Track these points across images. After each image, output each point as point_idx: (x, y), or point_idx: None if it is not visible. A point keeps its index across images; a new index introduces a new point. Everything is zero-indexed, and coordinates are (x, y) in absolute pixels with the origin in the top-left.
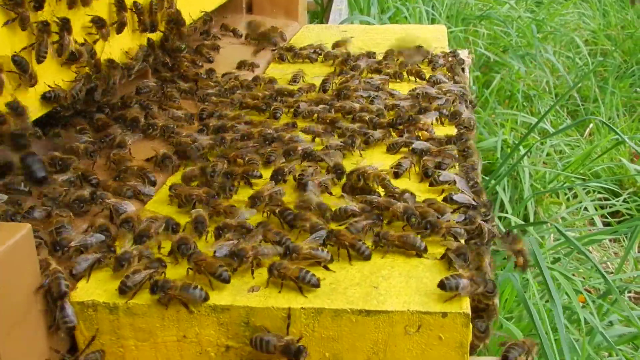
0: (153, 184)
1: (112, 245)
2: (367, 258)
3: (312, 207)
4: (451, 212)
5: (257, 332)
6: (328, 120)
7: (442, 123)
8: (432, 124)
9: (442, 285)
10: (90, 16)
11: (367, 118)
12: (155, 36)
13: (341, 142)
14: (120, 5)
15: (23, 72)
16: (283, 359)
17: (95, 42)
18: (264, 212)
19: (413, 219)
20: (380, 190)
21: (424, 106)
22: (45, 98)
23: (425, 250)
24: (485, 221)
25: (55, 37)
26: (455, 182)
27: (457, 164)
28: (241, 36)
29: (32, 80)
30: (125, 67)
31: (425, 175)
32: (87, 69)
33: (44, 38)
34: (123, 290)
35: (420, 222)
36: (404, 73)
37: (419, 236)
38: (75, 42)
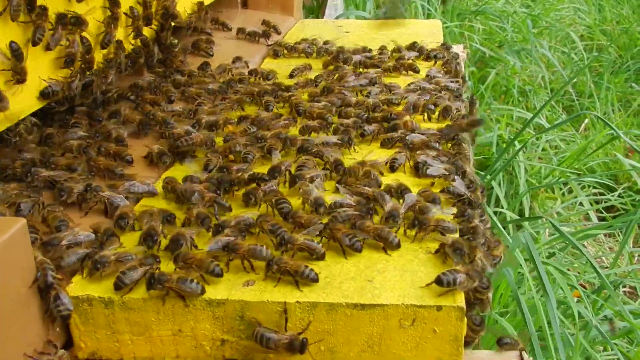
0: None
1: (104, 242)
2: (358, 251)
3: (309, 201)
4: (444, 207)
5: (252, 326)
6: (315, 115)
7: (429, 119)
8: (423, 118)
9: (439, 280)
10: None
11: (353, 113)
12: (149, 31)
13: (338, 139)
14: (113, 2)
15: (17, 61)
16: (285, 354)
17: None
18: (260, 206)
19: (391, 222)
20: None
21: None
22: (43, 95)
23: (398, 246)
24: (482, 221)
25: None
26: (444, 176)
27: (447, 157)
28: (231, 29)
29: (22, 75)
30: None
31: (416, 169)
32: (81, 64)
33: (42, 21)
34: (119, 286)
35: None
36: (398, 66)
37: (394, 230)
38: (68, 40)
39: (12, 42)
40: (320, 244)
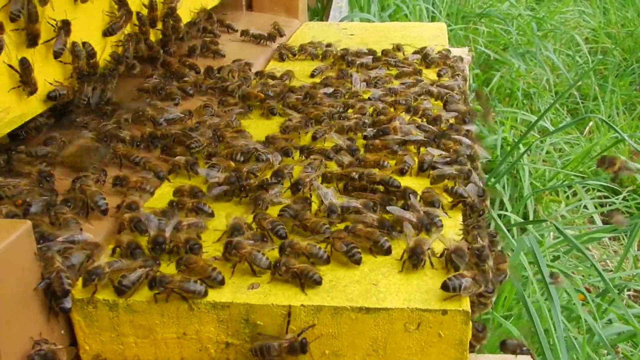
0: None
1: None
2: (357, 263)
3: (321, 209)
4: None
5: (256, 330)
6: (312, 116)
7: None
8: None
9: (445, 285)
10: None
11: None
12: (154, 33)
13: (347, 145)
14: (120, 3)
15: (26, 75)
16: (288, 358)
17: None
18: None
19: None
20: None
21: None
22: (50, 97)
23: (389, 251)
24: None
25: None
26: (453, 176)
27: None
28: (236, 31)
29: (32, 87)
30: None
31: (420, 170)
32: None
33: None
34: (121, 291)
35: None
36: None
37: (386, 236)
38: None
39: (22, 57)
40: (323, 250)
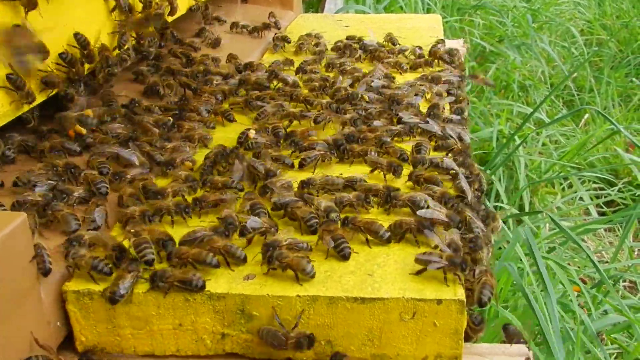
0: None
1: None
2: (345, 258)
3: (320, 210)
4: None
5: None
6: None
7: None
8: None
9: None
10: None
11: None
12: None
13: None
14: None
15: (18, 89)
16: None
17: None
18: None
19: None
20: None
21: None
22: (45, 83)
23: (389, 240)
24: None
25: None
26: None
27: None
28: (225, 22)
29: (29, 98)
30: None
31: (414, 166)
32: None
33: None
34: (114, 300)
35: None
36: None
37: (384, 227)
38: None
39: (8, 74)
40: (306, 243)
